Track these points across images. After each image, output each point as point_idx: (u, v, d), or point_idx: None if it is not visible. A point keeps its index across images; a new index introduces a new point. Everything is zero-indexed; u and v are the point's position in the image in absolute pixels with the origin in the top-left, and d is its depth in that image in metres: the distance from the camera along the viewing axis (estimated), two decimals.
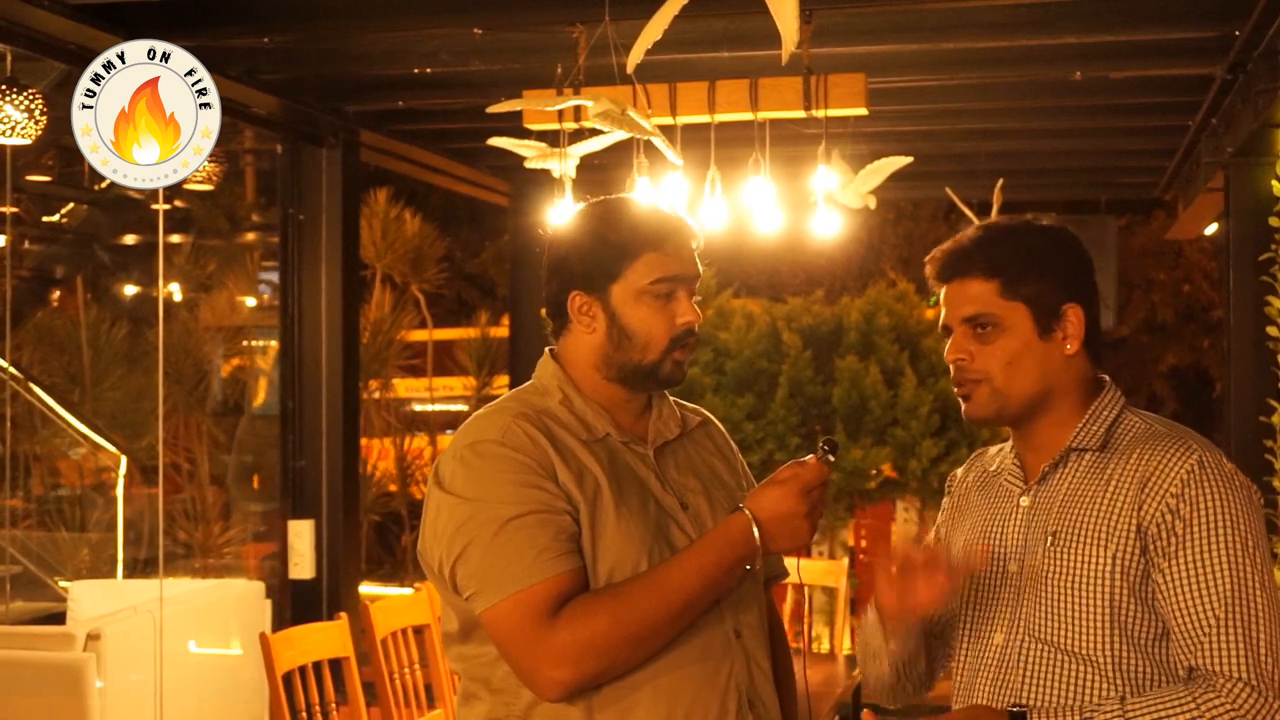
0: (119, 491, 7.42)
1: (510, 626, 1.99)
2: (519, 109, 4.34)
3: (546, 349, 2.24)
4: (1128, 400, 2.13)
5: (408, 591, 7.71)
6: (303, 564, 5.71)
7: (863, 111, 4.55)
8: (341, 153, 5.88)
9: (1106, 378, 2.12)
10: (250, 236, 10.94)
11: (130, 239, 10.64)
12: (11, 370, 7.64)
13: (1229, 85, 5.13)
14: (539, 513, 2.01)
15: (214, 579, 8.31)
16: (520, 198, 7.72)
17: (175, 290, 10.14)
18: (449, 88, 5.64)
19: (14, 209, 8.50)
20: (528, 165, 4.64)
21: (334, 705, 4.02)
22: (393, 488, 10.32)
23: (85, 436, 8.07)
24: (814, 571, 5.57)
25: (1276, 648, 1.90)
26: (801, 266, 13.04)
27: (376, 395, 10.37)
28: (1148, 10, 4.60)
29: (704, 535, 2.09)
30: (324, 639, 4.09)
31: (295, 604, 5.76)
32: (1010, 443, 2.18)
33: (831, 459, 2.09)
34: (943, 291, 2.12)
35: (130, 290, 11.01)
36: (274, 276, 8.90)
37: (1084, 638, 1.98)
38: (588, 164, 4.70)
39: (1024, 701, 2.02)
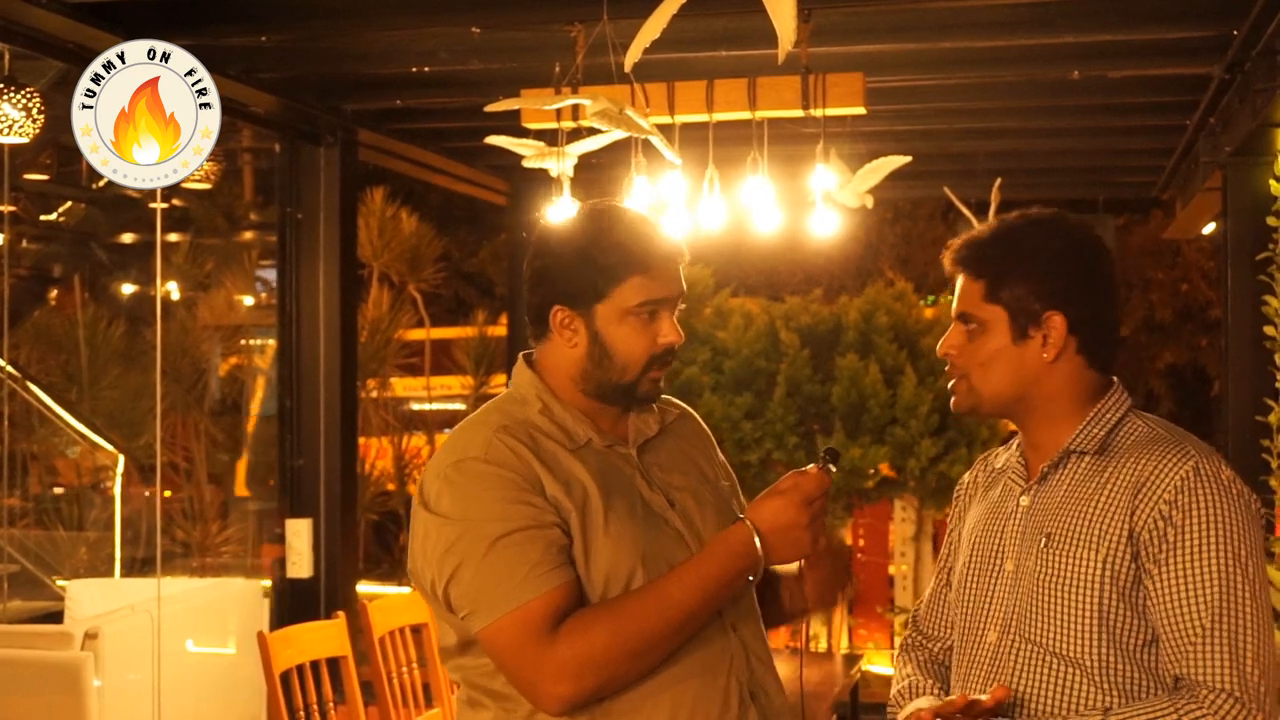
0: (117, 490, 7.43)
1: (508, 644, 1.99)
2: (517, 108, 4.33)
3: (521, 354, 2.23)
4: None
5: (406, 590, 7.72)
6: (301, 563, 5.71)
7: (861, 111, 4.55)
8: (339, 151, 5.88)
9: (1115, 379, 2.11)
10: (248, 235, 10.95)
11: (128, 238, 10.64)
12: (9, 369, 7.63)
13: (1227, 85, 5.13)
14: (528, 528, 2.00)
15: (212, 578, 8.31)
16: (518, 197, 7.72)
17: (173, 289, 10.14)
18: (447, 87, 5.64)
19: (12, 208, 8.49)
20: (526, 164, 4.64)
21: (332, 704, 4.02)
22: (390, 487, 10.33)
23: (83, 435, 8.07)
24: None
25: (1263, 659, 1.88)
26: (800, 265, 13.03)
27: (374, 394, 10.37)
28: (1146, 10, 4.60)
29: (704, 547, 2.08)
30: (322, 638, 4.09)
31: (293, 603, 5.76)
32: (1019, 439, 2.18)
33: (833, 469, 2.09)
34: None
35: (128, 289, 11.01)
36: (272, 275, 8.91)
37: (1072, 641, 1.98)
38: (586, 163, 4.70)
39: (1013, 701, 2.02)
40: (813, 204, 4.62)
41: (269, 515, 8.06)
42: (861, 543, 8.63)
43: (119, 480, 7.46)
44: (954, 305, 2.12)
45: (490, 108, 4.28)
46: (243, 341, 10.46)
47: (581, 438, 2.13)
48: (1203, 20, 4.61)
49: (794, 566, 2.27)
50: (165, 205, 8.77)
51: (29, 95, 4.70)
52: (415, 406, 11.43)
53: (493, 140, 4.66)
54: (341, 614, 4.25)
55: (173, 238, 10.16)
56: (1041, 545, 2.03)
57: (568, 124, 4.53)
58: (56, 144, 8.19)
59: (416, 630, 4.52)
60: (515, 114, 4.58)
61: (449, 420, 11.05)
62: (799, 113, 4.48)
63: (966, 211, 5.40)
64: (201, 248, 10.26)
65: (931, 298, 11.88)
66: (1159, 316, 13.13)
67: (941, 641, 2.28)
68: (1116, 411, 2.07)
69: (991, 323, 2.06)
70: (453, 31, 4.84)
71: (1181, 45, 4.93)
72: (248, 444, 10.25)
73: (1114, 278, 2.12)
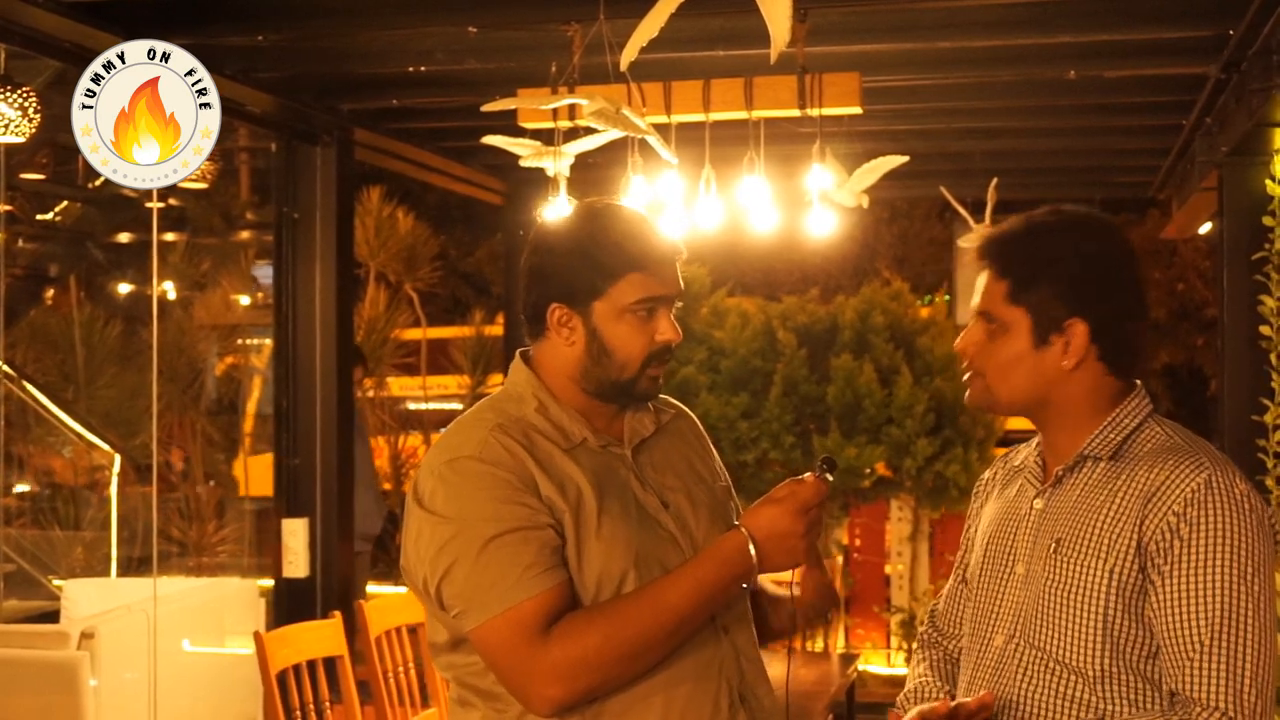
0: (113, 490, 7.42)
1: (500, 644, 1.99)
2: (514, 107, 4.33)
3: (518, 351, 2.22)
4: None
5: (402, 590, 7.71)
6: (297, 562, 5.71)
7: (857, 110, 4.55)
8: (336, 151, 5.87)
9: (1138, 384, 2.07)
10: (244, 235, 10.93)
11: (124, 237, 10.64)
12: (5, 368, 7.62)
13: (1223, 84, 5.14)
14: (522, 529, 2.00)
15: (208, 577, 8.31)
16: (515, 196, 7.71)
17: (169, 288, 10.14)
18: (444, 86, 5.64)
19: (8, 207, 8.49)
20: (522, 164, 4.64)
21: (328, 704, 4.02)
22: (387, 486, 10.31)
23: (79, 435, 8.06)
24: None
25: (1261, 679, 1.86)
26: (796, 265, 13.04)
27: (371, 394, 10.36)
28: (1143, 9, 4.60)
29: (700, 553, 2.08)
30: (318, 638, 4.09)
31: (289, 602, 5.75)
32: (1039, 437, 2.15)
33: (829, 478, 2.09)
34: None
35: (124, 288, 11.01)
36: (268, 274, 8.90)
37: (1075, 649, 1.97)
38: (582, 163, 4.69)
39: (1015, 706, 2.01)
40: (809, 203, 4.63)
41: (265, 514, 8.06)
42: (858, 542, 8.64)
43: (115, 480, 7.46)
44: (975, 300, 2.09)
45: (487, 107, 4.28)
46: (239, 341, 10.46)
47: (577, 437, 2.12)
48: (1199, 20, 4.61)
49: (785, 588, 2.27)
50: (161, 205, 8.77)
51: (25, 94, 4.70)
52: (411, 406, 11.42)
53: (489, 140, 4.66)
54: (338, 613, 4.25)
55: (169, 237, 10.16)
56: (1051, 550, 2.01)
57: (564, 123, 4.53)
58: (53, 143, 8.18)
59: (413, 630, 4.51)
60: (512, 113, 4.58)
61: (445, 420, 11.02)
62: (796, 112, 4.48)
63: (963, 211, 5.40)
64: (198, 247, 10.26)
65: (928, 297, 11.89)
66: (1155, 316, 13.13)
67: (956, 640, 2.27)
68: (1135, 417, 2.03)
69: (1013, 325, 2.03)
70: (449, 31, 4.83)
71: (1178, 45, 4.94)
72: (244, 443, 10.25)
73: (1142, 282, 2.07)
